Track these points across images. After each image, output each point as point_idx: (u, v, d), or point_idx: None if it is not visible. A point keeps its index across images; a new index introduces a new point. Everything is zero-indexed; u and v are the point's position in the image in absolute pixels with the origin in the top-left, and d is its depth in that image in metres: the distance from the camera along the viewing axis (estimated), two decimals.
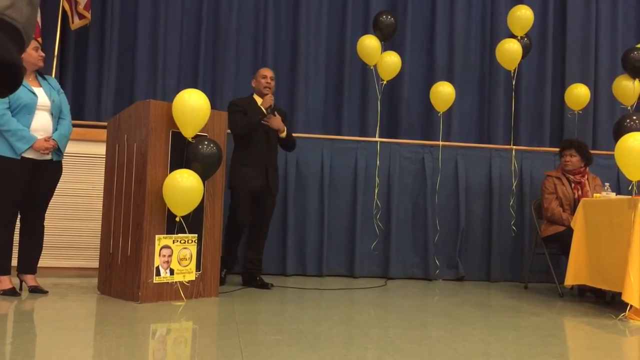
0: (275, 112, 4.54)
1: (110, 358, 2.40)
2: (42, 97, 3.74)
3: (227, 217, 4.50)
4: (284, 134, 4.57)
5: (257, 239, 4.63)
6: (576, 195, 4.87)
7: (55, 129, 3.77)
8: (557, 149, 5.26)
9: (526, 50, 5.50)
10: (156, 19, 5.49)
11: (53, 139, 3.72)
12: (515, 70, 5.59)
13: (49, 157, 3.75)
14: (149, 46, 5.48)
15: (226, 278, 4.56)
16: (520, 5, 5.68)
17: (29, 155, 3.65)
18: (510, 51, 5.40)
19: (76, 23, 5.21)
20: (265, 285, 4.50)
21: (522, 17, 5.52)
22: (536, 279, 5.34)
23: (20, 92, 3.64)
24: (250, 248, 4.65)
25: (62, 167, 3.91)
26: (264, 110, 4.46)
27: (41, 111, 3.72)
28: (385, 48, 5.42)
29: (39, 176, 3.75)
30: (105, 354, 2.46)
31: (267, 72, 4.60)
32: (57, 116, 3.81)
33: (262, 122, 4.43)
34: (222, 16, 5.60)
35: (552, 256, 4.96)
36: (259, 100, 4.53)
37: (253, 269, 4.59)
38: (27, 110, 3.65)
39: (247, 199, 4.43)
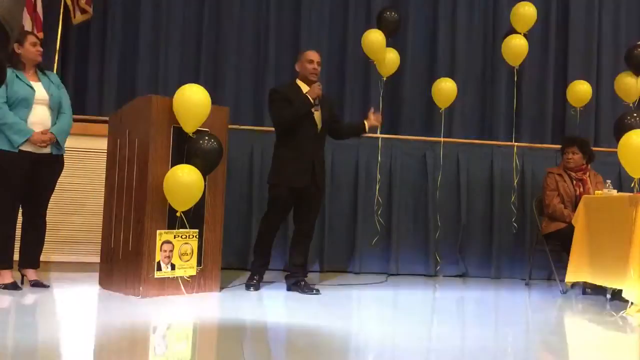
0: (321, 104, 4.10)
1: (111, 352, 2.40)
2: (40, 91, 3.75)
3: (262, 219, 4.27)
4: (367, 129, 4.35)
5: (302, 241, 4.24)
6: (578, 192, 4.87)
7: (54, 123, 3.78)
8: (559, 146, 5.25)
9: None
10: (158, 14, 5.48)
11: (50, 132, 3.73)
12: (517, 66, 5.58)
13: (47, 150, 3.75)
14: (150, 41, 5.47)
15: (259, 285, 4.21)
16: (523, 2, 5.66)
17: (26, 148, 3.66)
18: (516, 46, 5.38)
19: (78, 17, 5.20)
20: (310, 290, 4.08)
21: (526, 14, 5.50)
22: (537, 276, 5.34)
23: (18, 86, 3.65)
24: (293, 250, 4.26)
25: (63, 161, 3.92)
26: (311, 100, 4.01)
27: (39, 105, 3.73)
28: (387, 44, 5.40)
29: (40, 170, 3.76)
30: (106, 348, 2.47)
31: (314, 56, 4.13)
32: (56, 110, 3.81)
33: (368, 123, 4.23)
34: (224, 11, 5.59)
35: (553, 253, 4.95)
36: (302, 86, 4.11)
37: (297, 273, 4.21)
38: (24, 104, 3.66)
39: (286, 198, 4.10)
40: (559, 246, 4.85)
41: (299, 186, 4.07)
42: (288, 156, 4.09)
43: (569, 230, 4.49)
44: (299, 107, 3.99)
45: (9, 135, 3.60)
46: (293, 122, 4.02)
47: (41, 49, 3.85)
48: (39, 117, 3.71)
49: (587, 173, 4.99)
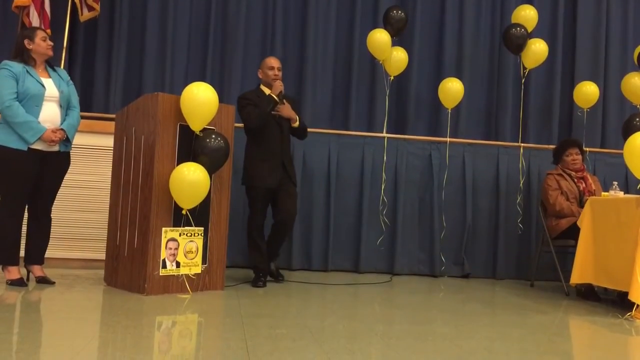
0: (285, 100, 4.39)
1: (116, 349, 2.41)
2: (51, 88, 3.75)
3: (248, 220, 4.39)
4: (296, 124, 4.42)
5: (281, 234, 4.44)
6: (581, 188, 4.87)
7: (63, 120, 3.79)
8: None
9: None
10: (165, 12, 5.49)
11: (62, 129, 3.74)
12: (525, 68, 5.58)
13: (56, 148, 3.76)
14: (157, 39, 5.48)
15: (266, 282, 4.35)
16: (524, 5, 5.65)
17: (37, 146, 3.67)
18: (537, 51, 5.46)
19: (85, 15, 5.22)
20: (277, 276, 4.50)
21: (527, 16, 5.51)
22: (542, 277, 5.33)
23: (29, 82, 3.66)
24: (273, 240, 4.46)
25: (70, 159, 3.93)
26: (275, 98, 4.32)
27: (49, 102, 3.73)
28: (394, 43, 5.40)
29: (47, 167, 3.77)
30: (111, 345, 2.47)
31: (274, 63, 4.44)
32: (65, 107, 3.82)
33: (273, 112, 4.28)
34: (231, 10, 5.59)
35: (559, 254, 4.94)
36: (267, 91, 4.38)
37: (271, 259, 4.52)
38: (34, 101, 3.66)
39: (263, 197, 4.31)
40: (573, 243, 4.69)
41: (273, 185, 4.30)
42: (259, 157, 4.33)
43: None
44: (263, 108, 4.25)
45: (21, 134, 3.60)
46: (260, 122, 4.26)
47: (52, 43, 3.86)
48: (50, 115, 3.72)
49: (585, 173, 5.01)
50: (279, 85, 4.33)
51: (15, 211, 3.70)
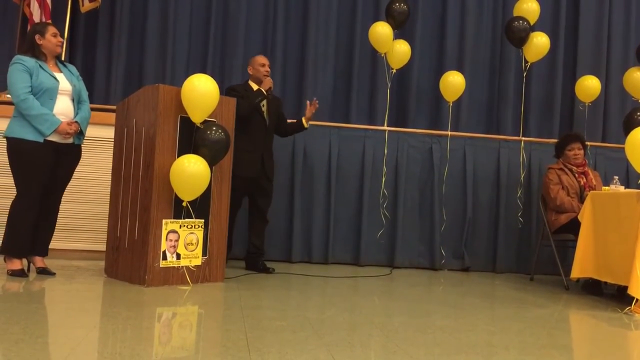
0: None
1: (117, 340, 2.41)
2: (64, 82, 3.77)
3: None
4: (307, 124, 4.78)
5: (259, 224, 4.72)
6: (582, 183, 4.86)
7: (76, 114, 3.81)
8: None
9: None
10: (166, 4, 5.47)
11: (76, 122, 3.75)
12: (527, 61, 5.57)
13: (70, 140, 3.78)
14: (158, 30, 5.47)
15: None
16: None
17: (51, 138, 3.68)
18: (539, 44, 5.43)
19: (86, 6, 5.20)
20: (267, 270, 4.58)
21: (529, 10, 5.49)
22: (542, 271, 5.34)
23: (43, 76, 3.68)
24: (252, 233, 4.70)
25: (81, 151, 3.95)
26: (264, 92, 4.53)
27: (63, 96, 3.75)
28: (395, 36, 5.38)
29: (61, 160, 3.79)
30: (112, 336, 2.48)
31: (265, 60, 4.69)
32: (76, 101, 3.84)
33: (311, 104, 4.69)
34: (232, 1, 5.58)
35: (559, 248, 4.94)
36: (255, 86, 4.59)
37: (256, 253, 4.68)
38: (49, 94, 3.68)
39: (243, 184, 4.46)
40: (574, 237, 4.69)
41: (252, 175, 4.52)
42: (241, 148, 4.40)
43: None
44: (252, 100, 4.48)
45: (37, 126, 3.62)
46: (248, 111, 4.45)
47: (62, 40, 3.88)
48: (63, 108, 3.74)
49: (586, 167, 5.00)
50: (269, 82, 4.57)
51: (32, 203, 3.70)
